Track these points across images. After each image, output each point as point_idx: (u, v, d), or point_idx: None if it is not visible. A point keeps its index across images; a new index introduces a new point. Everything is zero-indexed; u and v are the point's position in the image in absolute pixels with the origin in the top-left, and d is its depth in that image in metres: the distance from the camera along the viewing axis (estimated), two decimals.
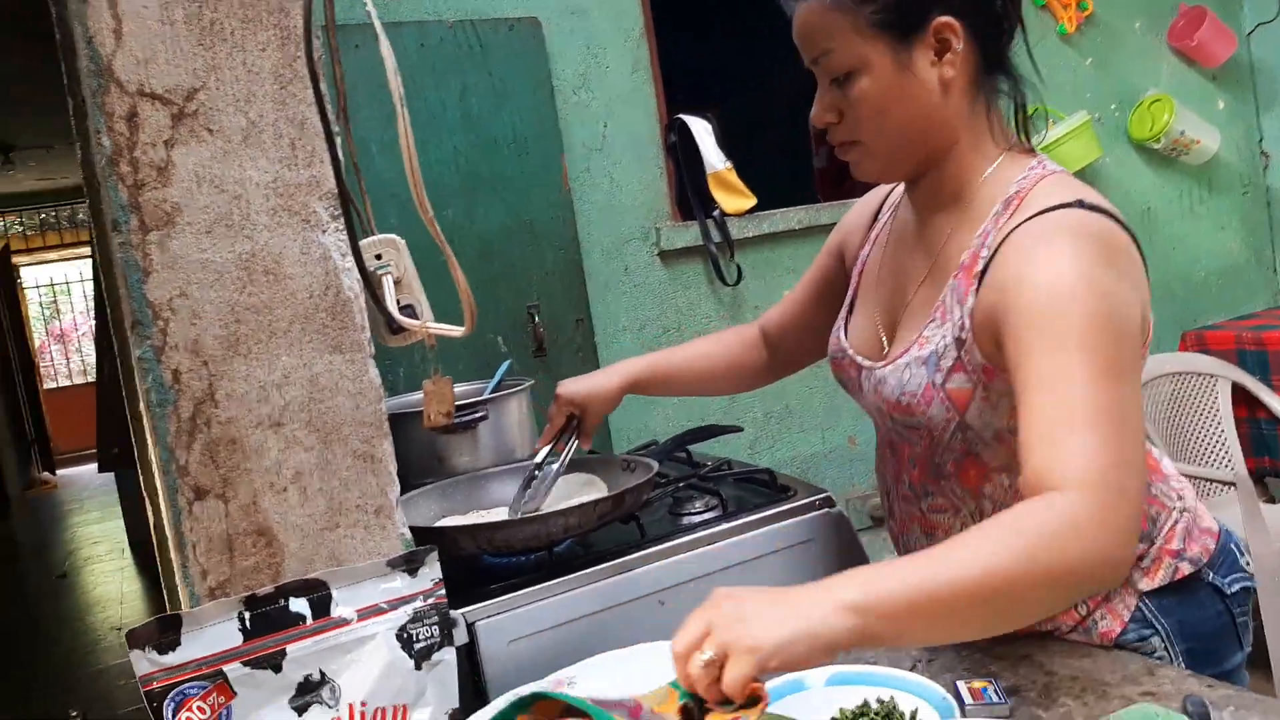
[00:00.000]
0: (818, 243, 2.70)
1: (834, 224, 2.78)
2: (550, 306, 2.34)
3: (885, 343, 1.13)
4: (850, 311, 1.24)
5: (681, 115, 2.58)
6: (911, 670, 1.09)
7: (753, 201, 2.61)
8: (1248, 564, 1.17)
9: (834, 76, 1.01)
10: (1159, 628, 1.10)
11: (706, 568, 1.31)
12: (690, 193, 2.56)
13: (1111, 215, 0.98)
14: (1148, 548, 1.11)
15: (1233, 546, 1.16)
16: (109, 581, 5.56)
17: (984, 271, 0.97)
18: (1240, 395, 2.77)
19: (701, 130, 2.54)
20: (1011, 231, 0.96)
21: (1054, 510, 0.81)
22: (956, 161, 1.04)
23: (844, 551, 1.40)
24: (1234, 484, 2.31)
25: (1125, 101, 3.21)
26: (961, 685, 1.05)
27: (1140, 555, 1.10)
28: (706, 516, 1.40)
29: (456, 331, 0.89)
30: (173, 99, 0.90)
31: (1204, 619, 1.12)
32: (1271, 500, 2.89)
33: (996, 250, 0.97)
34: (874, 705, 1.00)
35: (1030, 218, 0.96)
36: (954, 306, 1.00)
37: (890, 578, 0.79)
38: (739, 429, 1.80)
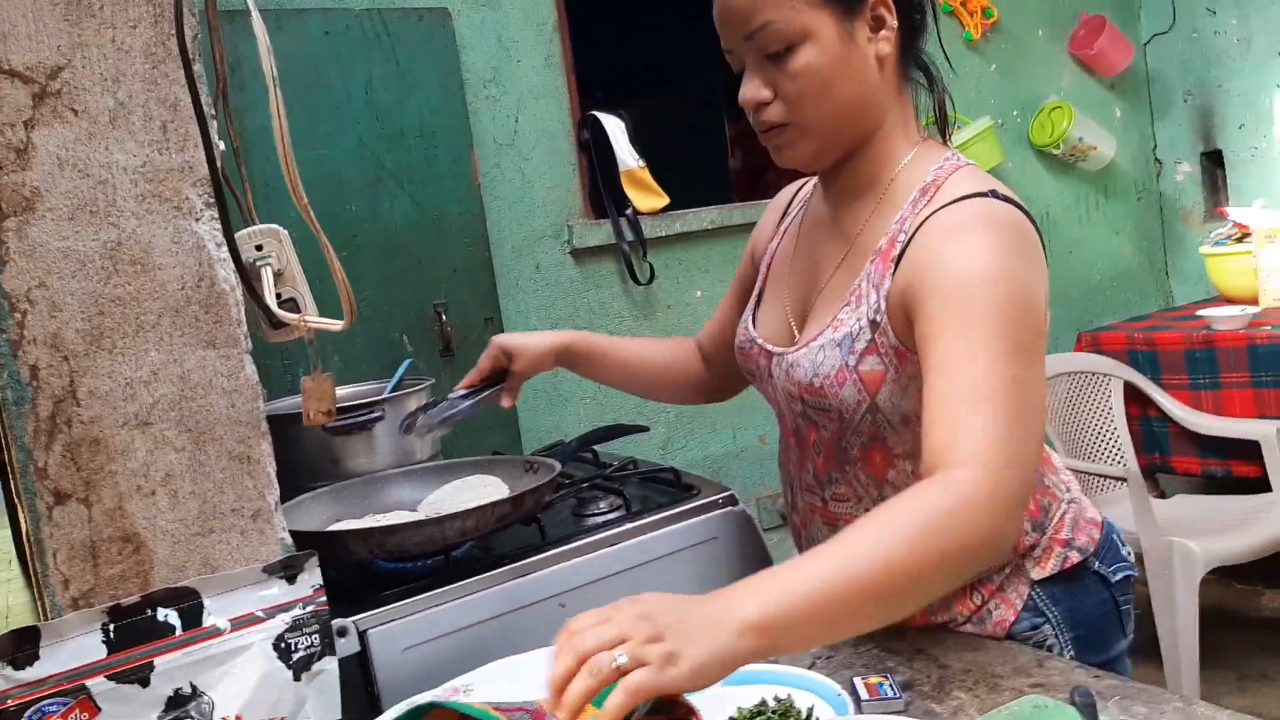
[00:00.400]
0: (730, 242, 2.73)
1: (747, 224, 2.81)
2: (458, 304, 2.29)
3: (795, 331, 1.13)
4: (758, 303, 1.23)
5: (595, 112, 2.55)
6: (809, 668, 1.09)
7: (665, 200, 2.60)
8: (1129, 554, 1.20)
9: (772, 51, 0.98)
10: (1049, 616, 1.13)
11: (609, 568, 1.30)
12: (603, 190, 2.54)
13: (1020, 207, 1.00)
14: (1039, 537, 1.13)
15: (1115, 537, 1.20)
16: None
17: (900, 256, 0.99)
18: (1132, 394, 2.87)
19: (615, 128, 2.52)
20: (929, 217, 0.98)
21: (945, 491, 0.81)
22: (877, 147, 1.05)
23: (748, 550, 1.40)
24: (1125, 479, 2.38)
25: (1027, 108, 3.29)
26: (858, 681, 1.06)
27: (1032, 545, 1.12)
28: (609, 517, 1.38)
29: (336, 325, 0.85)
30: (34, 77, 0.84)
31: (1091, 606, 1.15)
32: (1161, 495, 3.00)
33: (913, 235, 0.98)
34: (771, 703, 0.99)
35: (947, 204, 0.98)
36: (869, 290, 1.01)
37: (791, 588, 0.75)
38: (645, 429, 1.79)
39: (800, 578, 0.76)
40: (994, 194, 0.99)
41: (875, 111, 1.04)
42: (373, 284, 2.17)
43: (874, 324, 1.00)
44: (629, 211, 2.53)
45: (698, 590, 1.31)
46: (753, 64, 1.01)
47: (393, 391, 1.58)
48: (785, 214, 1.28)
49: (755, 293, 1.25)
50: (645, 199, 2.56)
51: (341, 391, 1.53)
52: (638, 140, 2.59)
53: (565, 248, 2.51)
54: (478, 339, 2.31)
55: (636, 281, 2.58)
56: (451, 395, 1.29)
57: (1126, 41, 3.39)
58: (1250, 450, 2.60)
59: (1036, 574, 1.12)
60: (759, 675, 1.06)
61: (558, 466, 1.35)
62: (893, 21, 1.00)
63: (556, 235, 2.50)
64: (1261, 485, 2.60)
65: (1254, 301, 2.88)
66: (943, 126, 1.12)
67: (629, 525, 1.34)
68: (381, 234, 2.20)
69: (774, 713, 0.97)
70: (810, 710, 0.98)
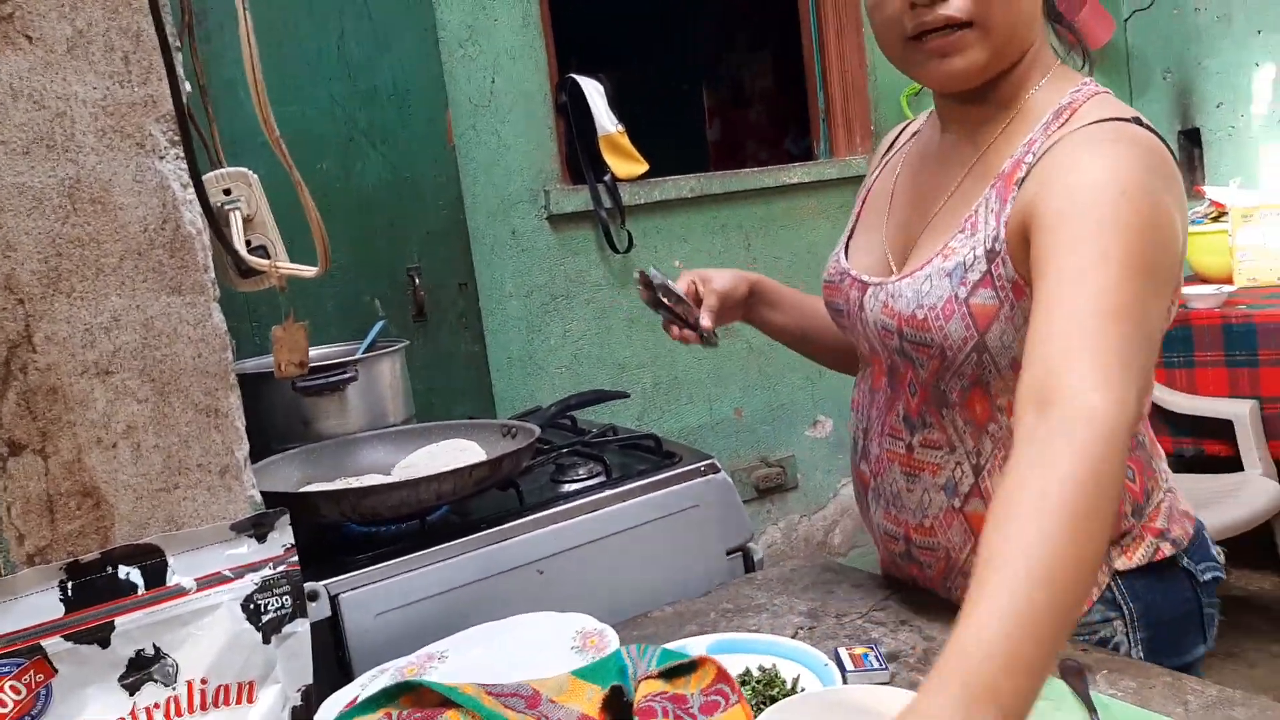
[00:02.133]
0: (709, 212, 2.70)
1: (726, 193, 2.78)
2: (432, 269, 2.23)
3: (893, 263, 1.06)
4: (850, 237, 1.17)
5: (573, 75, 2.50)
6: (793, 638, 1.07)
7: (645, 167, 2.55)
8: (1219, 554, 1.10)
9: None
10: (1124, 610, 1.03)
11: (589, 535, 1.27)
12: (581, 155, 2.49)
13: (1163, 140, 0.92)
14: (1135, 524, 1.03)
15: (1205, 534, 1.10)
16: None
17: (1024, 178, 0.91)
18: None
19: (593, 91, 2.47)
20: (1060, 140, 0.91)
21: (1074, 448, 0.69)
22: (1021, 68, 0.98)
23: (728, 518, 1.37)
24: None
25: None
26: (843, 652, 1.04)
27: (1125, 530, 1.02)
28: (589, 483, 1.35)
29: (310, 271, 0.81)
30: None
31: (1173, 606, 1.05)
32: None
33: (1041, 157, 0.91)
34: (756, 673, 0.97)
35: (1082, 127, 0.91)
36: (988, 217, 0.93)
37: (1011, 670, 0.62)
38: (625, 394, 1.76)
39: (1008, 653, 0.62)
40: (1138, 121, 0.92)
41: (1036, 26, 0.97)
42: (344, 246, 2.10)
43: (991, 253, 0.92)
44: (607, 178, 2.48)
45: (677, 557, 1.31)
46: None
47: (365, 353, 1.53)
48: (887, 153, 1.21)
49: (848, 228, 1.18)
50: (624, 165, 2.52)
51: (312, 353, 1.48)
52: (615, 107, 2.54)
53: (542, 213, 2.46)
54: (451, 304, 2.26)
55: (614, 249, 2.54)
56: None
57: (1108, 16, 3.38)
58: (1223, 429, 2.62)
59: (1121, 563, 1.02)
60: (743, 644, 1.04)
61: (537, 431, 1.31)
62: None
63: (533, 200, 2.45)
64: (1233, 465, 2.62)
65: (1229, 280, 2.90)
66: (1087, 58, 1.04)
67: (609, 492, 1.31)
68: (353, 195, 2.13)
69: (759, 682, 0.95)
70: (796, 680, 0.96)
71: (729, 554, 1.37)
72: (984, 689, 0.60)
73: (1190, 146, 3.53)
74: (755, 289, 1.29)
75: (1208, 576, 1.07)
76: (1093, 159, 0.86)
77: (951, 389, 1.00)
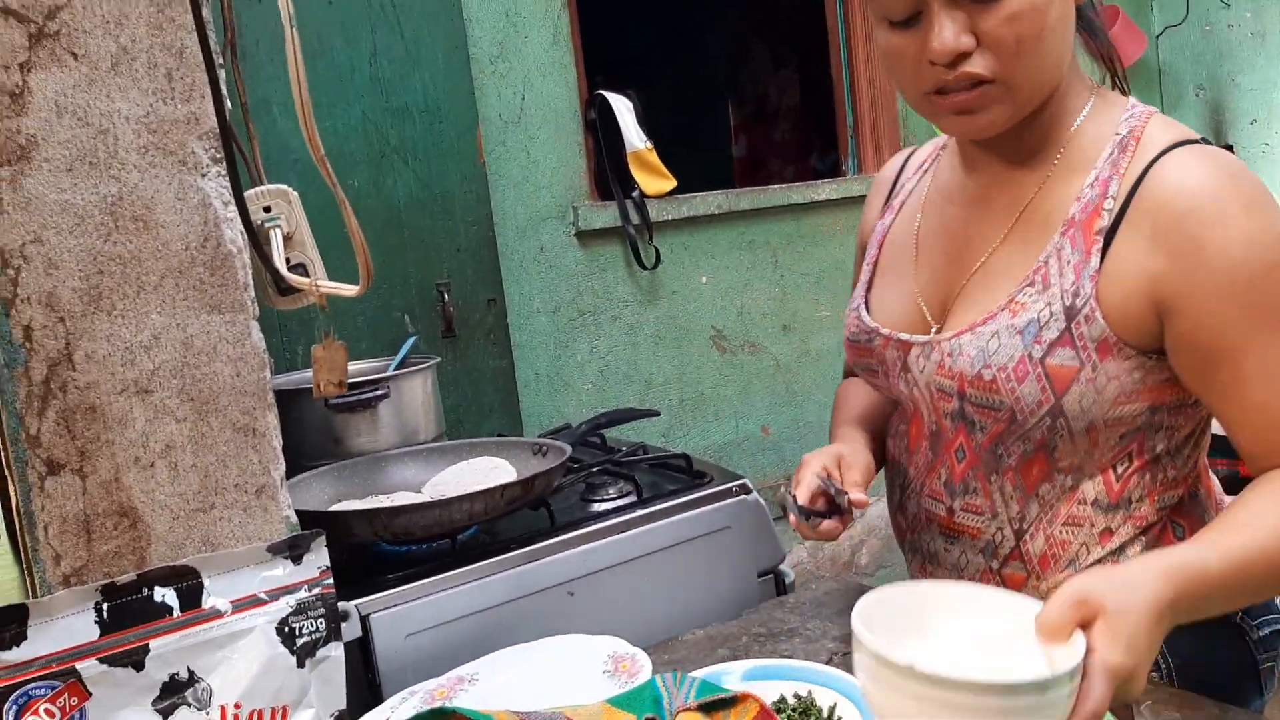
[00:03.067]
0: (736, 228, 2.69)
1: (754, 209, 2.77)
2: (461, 285, 2.23)
3: (929, 318, 0.97)
4: (869, 289, 1.07)
5: (602, 91, 2.50)
6: (828, 663, 1.05)
7: (673, 183, 2.55)
8: None
9: None
10: (1160, 664, 0.96)
11: (619, 556, 1.25)
12: (610, 172, 2.49)
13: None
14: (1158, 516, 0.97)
15: None
16: None
17: (1114, 228, 0.84)
18: None
19: (622, 108, 2.47)
20: (1142, 178, 0.84)
21: None
22: (1054, 105, 0.90)
23: (760, 539, 1.35)
24: None
25: None
26: None
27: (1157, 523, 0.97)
28: (620, 503, 1.34)
29: (350, 290, 0.80)
30: (31, 16, 0.79)
31: (1218, 666, 0.98)
32: None
33: (1128, 202, 0.84)
34: (791, 700, 0.95)
35: (1160, 156, 0.84)
36: (1064, 270, 0.86)
37: (1205, 604, 0.77)
38: (655, 413, 1.75)
39: (1206, 563, 0.76)
40: (1206, 141, 0.86)
41: (1066, 59, 0.88)
42: (375, 262, 2.06)
43: (1071, 310, 0.85)
44: (635, 194, 2.48)
45: (708, 579, 1.29)
46: (946, 12, 0.82)
47: (398, 369, 1.52)
48: (893, 190, 1.11)
49: (865, 279, 1.08)
50: (652, 181, 2.51)
51: None
52: (643, 124, 2.54)
53: (570, 230, 2.46)
54: (480, 320, 2.26)
55: (642, 266, 2.53)
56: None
57: (1139, 33, 3.36)
58: None
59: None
60: (778, 670, 1.02)
61: (568, 450, 1.30)
62: None
63: (561, 217, 2.45)
64: None
65: None
66: (1120, 77, 0.96)
67: (640, 512, 1.29)
68: (384, 211, 2.14)
69: (794, 710, 0.93)
70: (833, 708, 0.94)
71: (760, 576, 1.36)
72: (1185, 605, 0.74)
73: None
74: (872, 441, 1.12)
75: (1265, 631, 0.99)
76: (1232, 224, 0.80)
77: (1011, 453, 0.93)
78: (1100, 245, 0.85)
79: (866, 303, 1.06)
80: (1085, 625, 0.69)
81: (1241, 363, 0.82)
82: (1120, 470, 0.92)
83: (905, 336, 0.98)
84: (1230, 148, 3.42)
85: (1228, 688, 0.97)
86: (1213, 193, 0.81)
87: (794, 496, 1.01)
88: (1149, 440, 0.91)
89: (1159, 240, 0.83)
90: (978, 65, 0.83)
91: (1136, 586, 0.71)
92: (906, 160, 1.13)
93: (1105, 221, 0.85)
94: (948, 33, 0.81)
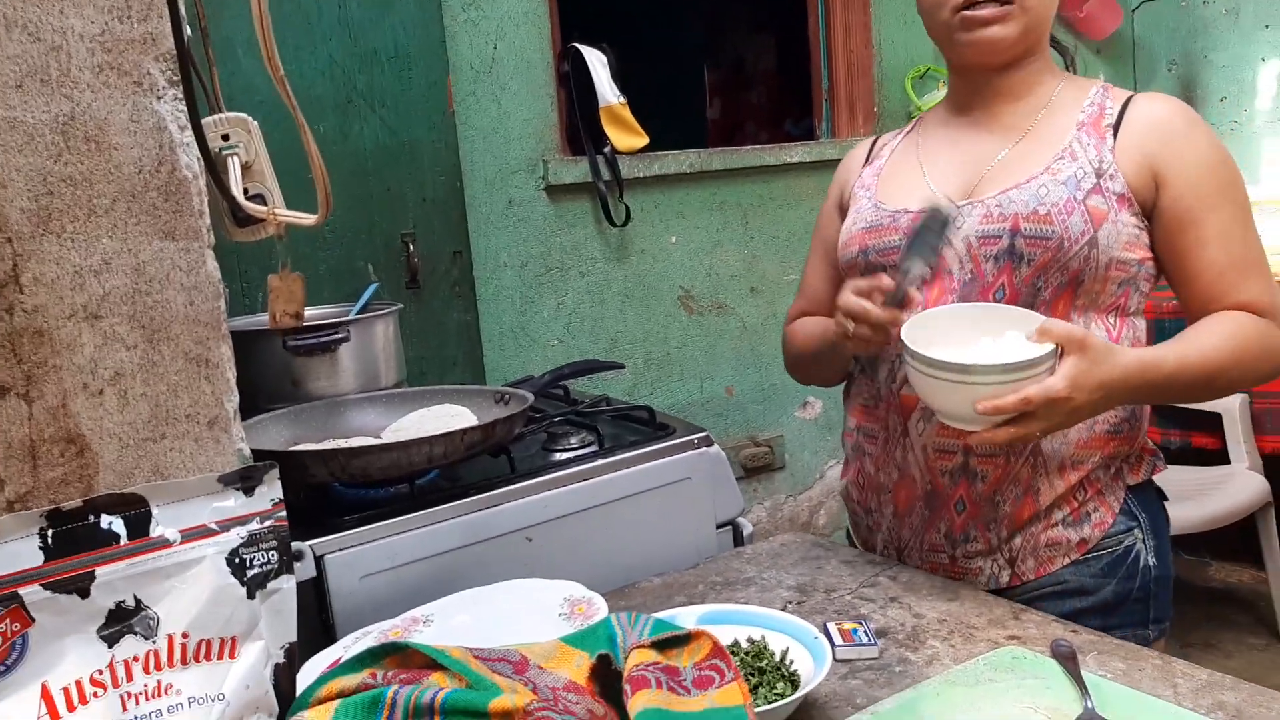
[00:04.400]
0: (708, 188, 2.68)
1: (726, 169, 2.75)
2: (427, 236, 2.21)
3: (953, 197, 1.18)
4: (872, 201, 1.27)
5: (576, 44, 2.47)
6: (783, 610, 1.06)
7: (645, 140, 2.53)
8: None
9: None
10: (1140, 520, 1.20)
11: (579, 504, 1.25)
12: (581, 127, 2.47)
13: None
14: (1132, 445, 1.20)
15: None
16: None
17: (1117, 124, 1.14)
18: None
19: (596, 61, 2.44)
20: (1130, 98, 1.17)
21: (1269, 336, 1.10)
22: (1040, 59, 1.21)
23: (721, 491, 1.36)
24: None
25: None
26: (832, 626, 1.04)
27: (1130, 450, 1.20)
28: (581, 452, 1.34)
29: (309, 219, 0.79)
30: None
31: (1163, 517, 1.23)
32: None
33: (1124, 109, 1.15)
34: (744, 644, 0.97)
35: (1131, 98, 1.17)
36: (1085, 149, 1.14)
37: (1160, 355, 1.07)
38: (620, 365, 1.75)
39: (1161, 358, 1.07)
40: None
41: (1047, 28, 1.20)
42: (339, 209, 2.05)
43: (1099, 171, 1.12)
44: (607, 150, 2.46)
45: (667, 529, 1.30)
46: None
47: (359, 314, 1.51)
48: (871, 151, 1.36)
49: (867, 196, 1.28)
50: (624, 137, 2.49)
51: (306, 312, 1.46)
52: (618, 79, 2.51)
53: (540, 183, 2.44)
54: (445, 272, 2.24)
55: (612, 223, 2.52)
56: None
57: (1116, 7, 3.37)
58: (1211, 422, 2.63)
59: (1131, 479, 1.19)
60: (733, 615, 1.04)
61: (530, 398, 1.30)
62: None
63: (531, 170, 2.43)
64: (1219, 458, 2.63)
65: None
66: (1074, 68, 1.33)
67: (601, 461, 1.30)
68: (350, 157, 2.11)
69: (747, 654, 0.95)
70: (785, 652, 0.95)
71: (719, 528, 1.37)
72: (1136, 394, 1.07)
73: None
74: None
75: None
76: (1199, 136, 1.14)
77: (1049, 284, 1.13)
78: (1111, 134, 1.14)
79: (876, 204, 1.25)
80: (1065, 352, 1.00)
81: (1204, 225, 1.11)
82: (1112, 320, 1.17)
83: (948, 200, 1.18)
84: None
85: (1166, 542, 1.23)
86: (1182, 111, 1.16)
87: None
88: (1131, 296, 1.17)
89: (1152, 133, 1.13)
90: None
91: (1115, 355, 1.03)
92: (875, 139, 1.38)
93: (1110, 120, 1.15)
94: None
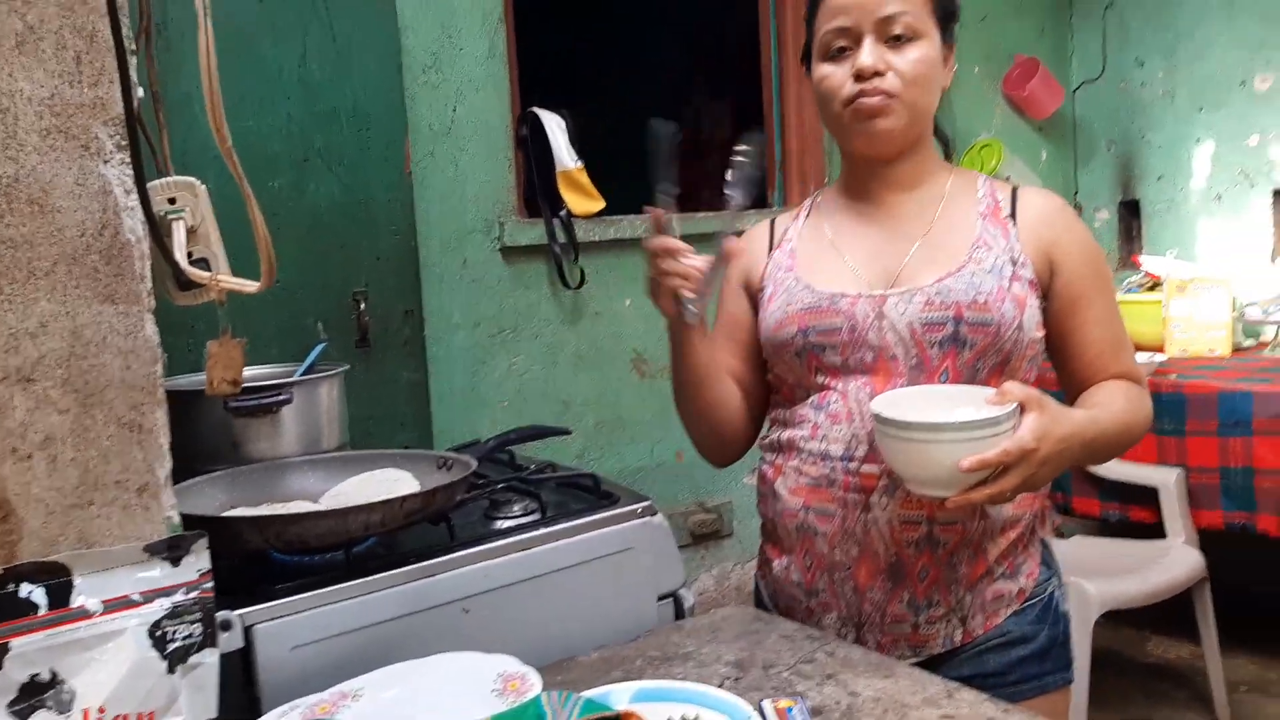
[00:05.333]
0: None
1: (682, 236, 2.77)
2: (379, 294, 2.20)
3: (872, 286, 1.25)
4: (795, 283, 1.31)
5: (535, 109, 2.50)
6: (720, 686, 1.06)
7: (602, 204, 2.56)
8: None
9: (896, 34, 1.19)
10: (1055, 570, 1.31)
11: (518, 575, 1.24)
12: (538, 189, 2.49)
13: None
14: (1044, 501, 1.30)
15: None
16: None
17: (1013, 215, 1.25)
18: None
19: (555, 126, 2.48)
20: (1017, 189, 1.28)
21: (1145, 400, 1.26)
22: (924, 152, 1.29)
23: (663, 562, 1.36)
24: None
25: (960, 142, 3.35)
26: (767, 704, 1.03)
27: (1042, 506, 1.30)
28: (523, 521, 1.33)
29: (251, 286, 0.79)
30: None
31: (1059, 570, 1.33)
32: (1059, 534, 3.06)
33: (1014, 202, 1.26)
34: None
35: (1016, 189, 1.29)
36: (996, 239, 1.23)
37: (1095, 418, 1.17)
38: (566, 431, 1.75)
39: (1095, 417, 1.18)
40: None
41: (930, 126, 1.29)
42: (291, 266, 2.07)
43: (1013, 260, 1.22)
44: (563, 213, 2.49)
45: (607, 600, 1.29)
46: (871, 43, 1.19)
47: (304, 375, 1.50)
48: (773, 237, 1.39)
49: (788, 283, 1.31)
50: (581, 201, 2.52)
51: (248, 372, 1.45)
52: (575, 144, 2.55)
53: (495, 244, 2.45)
54: (396, 331, 2.23)
55: (566, 285, 2.54)
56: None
57: (1057, 86, 3.49)
58: (1148, 496, 2.68)
59: (1043, 533, 1.30)
60: (667, 692, 1.03)
61: (473, 464, 1.29)
62: (952, 67, 1.28)
63: (487, 231, 2.44)
64: (1156, 531, 2.68)
65: (1161, 349, 2.97)
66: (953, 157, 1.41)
67: (543, 530, 1.29)
68: (305, 214, 2.10)
69: None
70: None
71: (660, 599, 1.36)
72: (1086, 450, 1.15)
73: (1130, 217, 3.64)
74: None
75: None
76: (1080, 228, 1.28)
77: (985, 366, 1.21)
78: (1012, 224, 1.25)
79: (807, 287, 1.29)
80: (1026, 409, 1.07)
81: (1087, 309, 1.24)
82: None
83: (881, 291, 1.24)
84: (1137, 202, 3.58)
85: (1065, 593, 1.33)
86: (1065, 206, 1.30)
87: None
88: (1032, 372, 1.26)
89: (1046, 223, 1.25)
90: (886, 83, 1.19)
91: (1068, 411, 1.14)
92: (772, 223, 1.42)
93: (1006, 212, 1.26)
94: (873, 55, 1.19)
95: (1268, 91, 3.22)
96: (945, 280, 1.21)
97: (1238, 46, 3.26)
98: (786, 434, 1.31)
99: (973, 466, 1.04)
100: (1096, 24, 3.60)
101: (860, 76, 1.19)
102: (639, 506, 1.36)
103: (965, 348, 1.20)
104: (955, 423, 1.06)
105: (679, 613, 1.37)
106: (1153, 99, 3.49)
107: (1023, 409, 1.07)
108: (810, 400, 1.27)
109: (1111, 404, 1.22)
